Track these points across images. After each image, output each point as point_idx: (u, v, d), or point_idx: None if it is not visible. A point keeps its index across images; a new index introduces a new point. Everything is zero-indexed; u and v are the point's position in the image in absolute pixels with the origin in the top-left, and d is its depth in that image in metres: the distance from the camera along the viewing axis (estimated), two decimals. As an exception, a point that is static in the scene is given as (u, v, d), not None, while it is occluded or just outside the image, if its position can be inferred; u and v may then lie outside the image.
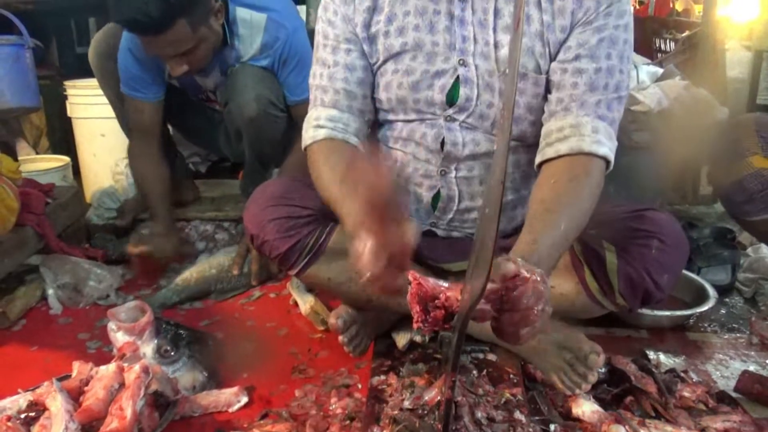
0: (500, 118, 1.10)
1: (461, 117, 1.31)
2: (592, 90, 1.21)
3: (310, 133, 1.36)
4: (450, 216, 1.42)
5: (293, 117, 2.00)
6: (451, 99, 1.30)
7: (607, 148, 1.20)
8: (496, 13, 1.25)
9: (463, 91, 1.29)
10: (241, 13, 1.90)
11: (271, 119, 1.95)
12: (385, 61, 1.33)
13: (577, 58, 1.22)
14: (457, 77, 1.28)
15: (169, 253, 2.04)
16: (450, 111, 1.31)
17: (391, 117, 1.39)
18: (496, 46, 1.25)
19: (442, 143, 1.34)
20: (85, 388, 1.23)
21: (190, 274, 1.92)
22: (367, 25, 1.33)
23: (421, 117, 1.35)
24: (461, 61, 1.27)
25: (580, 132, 1.20)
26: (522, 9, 0.94)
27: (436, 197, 1.41)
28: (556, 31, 1.23)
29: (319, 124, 1.35)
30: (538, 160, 1.25)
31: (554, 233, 1.06)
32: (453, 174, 1.37)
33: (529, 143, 1.34)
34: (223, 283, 1.92)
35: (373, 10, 1.32)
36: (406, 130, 1.38)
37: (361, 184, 0.99)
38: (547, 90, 1.27)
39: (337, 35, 1.35)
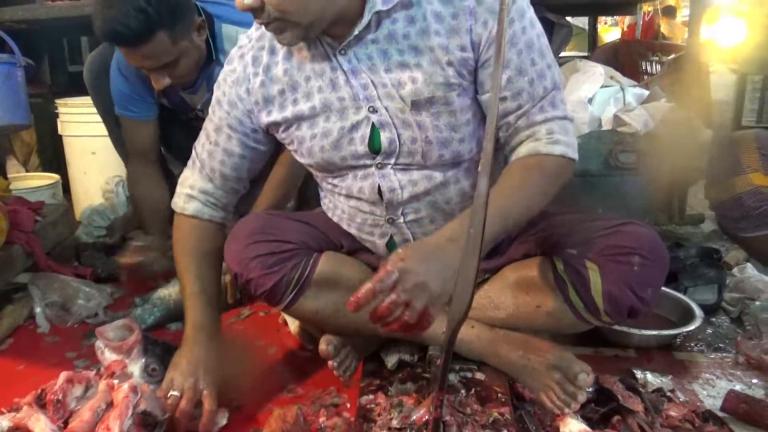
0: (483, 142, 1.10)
1: (391, 161, 1.31)
2: (534, 101, 1.25)
3: (181, 200, 1.48)
4: None
5: None
6: (375, 147, 1.30)
7: (563, 145, 1.24)
8: (383, 54, 1.24)
9: (384, 136, 1.28)
10: (227, 29, 1.92)
11: None
12: (299, 127, 1.34)
13: (508, 81, 1.23)
14: (373, 124, 1.28)
15: (162, 268, 2.02)
16: (378, 158, 1.31)
17: (325, 174, 1.41)
18: (394, 85, 1.25)
19: (380, 192, 1.34)
20: (74, 408, 1.23)
21: (168, 294, 1.85)
22: (269, 99, 1.34)
23: (354, 172, 1.35)
24: (371, 108, 1.27)
25: (536, 137, 1.25)
26: (503, 39, 0.96)
27: (391, 243, 1.41)
28: (455, 50, 1.22)
29: (191, 194, 1.46)
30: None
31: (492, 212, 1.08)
32: (401, 220, 1.37)
33: (470, 164, 1.34)
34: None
35: (270, 82, 1.33)
36: (343, 186, 1.38)
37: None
38: (478, 105, 1.29)
39: (221, 118, 1.40)
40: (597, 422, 1.27)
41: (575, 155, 1.27)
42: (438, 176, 1.32)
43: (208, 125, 1.44)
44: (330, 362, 1.41)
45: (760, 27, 3.33)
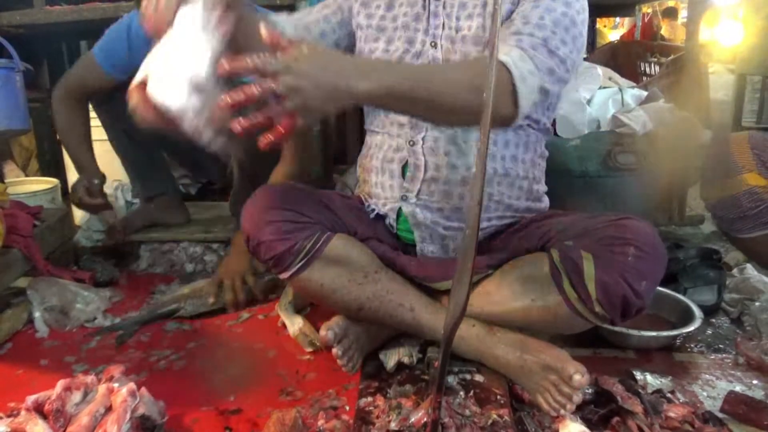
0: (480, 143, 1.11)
1: None
2: (515, 34, 1.28)
3: None
4: (418, 186, 1.48)
5: None
6: None
7: (511, 58, 1.21)
8: (462, 7, 1.44)
9: None
10: None
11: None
12: (375, 39, 1.52)
13: (511, 21, 1.32)
14: (430, 55, 1.44)
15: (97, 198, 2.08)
16: None
17: None
18: (457, 30, 1.43)
19: None
20: (72, 411, 1.23)
21: (162, 296, 1.91)
22: (366, 3, 1.55)
23: None
24: (433, 43, 1.45)
25: (503, 51, 1.24)
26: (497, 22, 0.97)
27: (405, 168, 1.50)
28: (507, 2, 1.36)
29: None
30: None
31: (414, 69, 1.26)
32: (420, 145, 1.47)
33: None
34: (195, 301, 1.89)
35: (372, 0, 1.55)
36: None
37: None
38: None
39: (327, 5, 1.59)
40: (596, 423, 1.26)
41: (520, 82, 1.21)
42: None
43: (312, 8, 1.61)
44: (334, 349, 1.42)
45: (757, 29, 3.34)
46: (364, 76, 1.08)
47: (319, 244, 1.38)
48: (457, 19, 1.43)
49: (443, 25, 1.45)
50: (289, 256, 1.37)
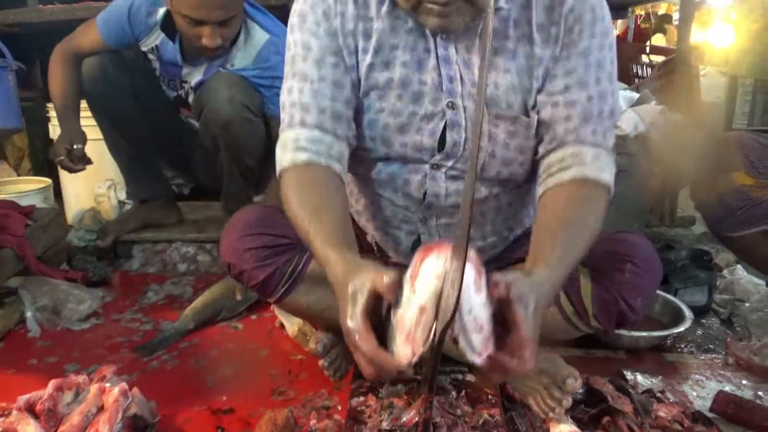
0: (469, 156, 1.07)
1: (448, 163, 1.26)
2: (587, 120, 1.17)
3: (288, 156, 1.20)
4: None
5: (270, 128, 2.02)
6: (440, 145, 1.25)
7: (609, 175, 1.17)
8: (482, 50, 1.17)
9: (450, 136, 1.23)
10: (249, 23, 2.01)
11: (247, 123, 1.97)
12: (366, 95, 1.25)
13: (566, 88, 1.18)
14: (446, 121, 1.23)
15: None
16: (437, 157, 1.26)
17: (370, 155, 1.31)
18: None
19: (425, 193, 1.31)
20: (63, 411, 1.23)
21: (195, 304, 1.86)
22: (353, 52, 1.23)
23: (405, 162, 1.30)
24: (450, 104, 1.21)
25: (581, 160, 1.16)
26: (488, 48, 0.94)
27: (417, 242, 1.38)
28: (549, 60, 1.18)
29: (300, 146, 1.19)
30: (540, 191, 1.21)
31: (569, 253, 1.06)
32: (434, 222, 1.34)
33: (516, 184, 1.33)
34: (233, 301, 1.88)
35: (360, 35, 1.23)
36: (386, 173, 1.32)
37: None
38: (539, 127, 1.23)
39: (323, 47, 1.21)
40: (587, 423, 1.27)
41: (612, 189, 1.18)
42: (483, 191, 1.30)
43: (300, 67, 1.22)
44: (320, 362, 1.41)
45: (749, 32, 3.36)
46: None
47: (300, 267, 1.33)
48: (480, 69, 1.17)
49: (461, 77, 1.20)
50: (271, 282, 1.32)
